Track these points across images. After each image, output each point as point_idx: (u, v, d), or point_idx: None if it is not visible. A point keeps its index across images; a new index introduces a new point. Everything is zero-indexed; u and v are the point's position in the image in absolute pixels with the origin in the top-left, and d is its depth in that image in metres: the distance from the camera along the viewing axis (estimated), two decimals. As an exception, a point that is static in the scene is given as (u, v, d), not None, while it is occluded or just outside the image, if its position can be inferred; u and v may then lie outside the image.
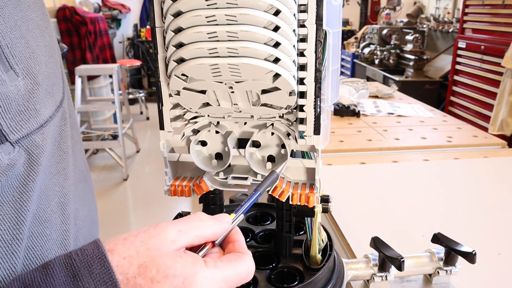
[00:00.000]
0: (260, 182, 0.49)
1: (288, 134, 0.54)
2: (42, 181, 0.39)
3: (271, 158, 0.56)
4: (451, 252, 0.69)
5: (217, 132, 0.56)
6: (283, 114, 0.52)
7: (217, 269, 0.36)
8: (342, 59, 5.55)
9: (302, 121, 0.51)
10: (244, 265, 0.38)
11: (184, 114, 0.55)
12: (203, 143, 0.57)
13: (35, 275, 0.31)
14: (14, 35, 0.37)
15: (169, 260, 0.34)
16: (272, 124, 0.54)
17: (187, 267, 0.35)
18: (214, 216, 0.40)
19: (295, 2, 0.43)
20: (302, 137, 0.51)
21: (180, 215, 0.65)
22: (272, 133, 0.54)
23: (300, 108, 0.50)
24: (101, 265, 0.32)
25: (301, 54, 0.47)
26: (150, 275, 0.33)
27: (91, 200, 0.53)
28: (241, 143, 0.57)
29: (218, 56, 0.44)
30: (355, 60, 5.30)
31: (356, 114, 1.88)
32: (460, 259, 0.69)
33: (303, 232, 0.67)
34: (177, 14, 0.43)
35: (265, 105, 0.50)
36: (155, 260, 0.34)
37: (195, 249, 0.39)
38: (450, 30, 4.28)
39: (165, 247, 0.35)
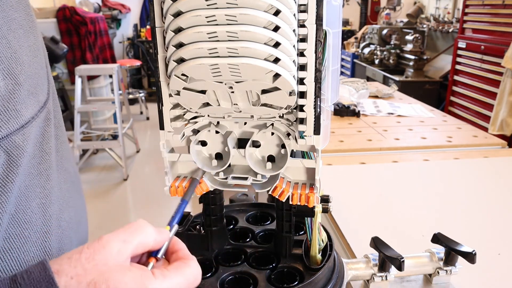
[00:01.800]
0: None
1: (288, 134, 0.54)
2: (21, 182, 0.38)
3: (271, 158, 0.56)
4: (451, 252, 0.69)
5: (217, 132, 0.56)
6: (283, 114, 0.52)
7: (166, 279, 0.37)
8: (342, 59, 5.55)
9: (302, 121, 0.51)
10: (190, 269, 0.39)
11: (184, 114, 0.55)
12: (203, 143, 0.57)
13: None
14: None
15: (118, 275, 0.34)
16: (272, 124, 0.54)
17: (137, 280, 0.35)
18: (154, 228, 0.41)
19: (295, 2, 0.43)
20: (302, 137, 0.51)
21: (185, 217, 0.65)
22: (272, 133, 0.54)
23: (300, 108, 0.50)
24: None
25: (301, 54, 0.47)
26: None
27: (78, 201, 0.53)
28: (241, 143, 0.57)
29: (218, 56, 0.44)
30: (355, 60, 5.30)
31: (356, 114, 1.88)
32: (460, 259, 0.69)
33: (303, 232, 0.67)
34: (177, 14, 0.43)
35: (265, 105, 0.50)
36: (104, 275, 0.34)
37: (142, 262, 0.39)
38: (450, 30, 4.28)
39: (112, 260, 0.35)
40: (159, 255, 0.40)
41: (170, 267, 0.39)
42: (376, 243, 0.68)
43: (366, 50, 4.98)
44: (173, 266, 0.39)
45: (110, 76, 4.02)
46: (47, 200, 0.42)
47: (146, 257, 0.41)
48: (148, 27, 6.32)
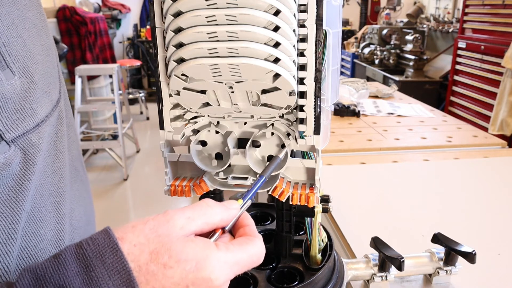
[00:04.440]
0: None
1: (288, 134, 0.54)
2: (37, 181, 0.39)
3: (271, 158, 0.56)
4: (451, 252, 0.69)
5: (217, 132, 0.56)
6: (283, 114, 0.52)
7: (229, 252, 0.36)
8: (342, 59, 5.55)
9: (302, 121, 0.51)
10: (255, 248, 0.38)
11: (184, 114, 0.55)
12: (203, 143, 0.57)
13: (46, 266, 0.31)
14: (10, 33, 0.37)
15: (180, 245, 0.34)
16: (272, 124, 0.54)
17: (199, 251, 0.35)
18: (222, 203, 0.40)
19: (295, 2, 0.43)
20: (302, 137, 0.51)
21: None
22: (272, 133, 0.54)
23: (300, 108, 0.50)
24: (114, 254, 0.32)
25: (301, 54, 0.47)
26: (162, 261, 0.33)
27: (87, 200, 0.53)
28: (241, 143, 0.57)
29: (218, 56, 0.44)
30: (355, 60, 5.30)
31: (356, 114, 1.88)
32: (460, 259, 0.69)
33: (303, 232, 0.67)
34: (177, 14, 0.43)
35: (265, 105, 0.50)
36: (166, 245, 0.34)
37: (205, 236, 0.39)
38: (450, 30, 4.28)
39: (174, 233, 0.35)
40: (226, 228, 0.39)
41: (234, 241, 0.38)
42: (376, 243, 0.68)
43: (366, 50, 4.98)
44: (238, 241, 0.38)
45: (110, 76, 4.02)
46: (60, 198, 0.43)
47: (212, 230, 0.40)
48: (148, 27, 6.32)
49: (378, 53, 4.69)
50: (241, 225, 0.41)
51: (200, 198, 0.62)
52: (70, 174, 0.46)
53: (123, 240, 0.33)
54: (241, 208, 0.42)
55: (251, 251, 0.38)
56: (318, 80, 0.48)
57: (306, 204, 0.54)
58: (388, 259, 0.66)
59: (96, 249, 0.32)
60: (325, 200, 0.58)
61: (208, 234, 0.39)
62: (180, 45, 0.45)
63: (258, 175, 0.48)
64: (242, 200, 0.42)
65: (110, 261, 0.32)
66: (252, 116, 0.53)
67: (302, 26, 0.45)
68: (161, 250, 0.33)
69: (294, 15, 0.44)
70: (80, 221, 0.48)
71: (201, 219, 0.37)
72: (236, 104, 0.50)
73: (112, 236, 0.33)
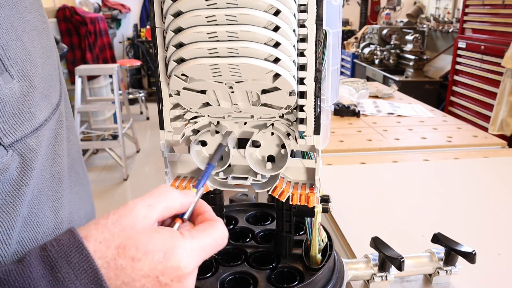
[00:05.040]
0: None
1: (288, 134, 0.54)
2: (35, 185, 0.38)
3: (271, 158, 0.56)
4: (451, 252, 0.69)
5: (217, 132, 0.56)
6: (283, 114, 0.52)
7: (195, 239, 0.37)
8: (342, 59, 5.55)
9: (302, 121, 0.51)
10: (218, 230, 0.39)
11: (184, 114, 0.55)
12: (203, 143, 0.57)
13: (10, 270, 0.30)
14: (10, 36, 0.36)
15: (146, 236, 0.34)
16: (272, 124, 0.54)
17: (165, 241, 0.35)
18: (179, 190, 0.41)
19: (295, 2, 0.43)
20: (302, 137, 0.51)
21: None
22: (272, 133, 0.54)
23: (300, 108, 0.50)
24: (79, 253, 0.32)
25: (301, 54, 0.47)
26: (130, 254, 0.33)
27: (88, 203, 0.53)
28: (241, 143, 0.57)
29: (218, 56, 0.44)
30: (355, 60, 5.30)
31: (356, 114, 1.88)
32: (460, 259, 0.69)
33: (303, 232, 0.67)
34: (177, 14, 0.43)
35: (265, 105, 0.50)
36: (132, 238, 0.34)
37: (166, 225, 0.39)
38: (450, 30, 4.28)
39: (138, 224, 0.35)
40: (185, 216, 0.40)
41: (197, 227, 0.39)
42: (376, 243, 0.68)
43: (366, 50, 4.98)
44: (200, 227, 0.39)
45: (110, 76, 4.02)
46: (58, 203, 0.42)
47: (172, 220, 0.40)
48: (148, 27, 6.32)
49: (378, 53, 4.69)
50: (199, 212, 0.42)
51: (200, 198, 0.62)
52: (69, 178, 0.46)
53: (88, 239, 0.33)
54: (196, 195, 0.42)
55: (214, 234, 0.38)
56: (318, 80, 0.48)
57: (306, 204, 0.54)
58: (388, 259, 0.66)
59: (61, 250, 0.32)
60: (325, 200, 0.58)
61: (168, 223, 0.39)
62: (180, 45, 0.45)
63: (206, 163, 0.49)
64: (195, 188, 0.43)
65: (76, 260, 0.31)
66: (252, 116, 0.53)
67: (302, 26, 0.45)
68: (127, 243, 0.33)
69: (294, 15, 0.44)
70: (80, 224, 0.47)
71: (162, 204, 0.37)
72: (236, 104, 0.50)
73: (76, 235, 0.33)
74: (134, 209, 0.36)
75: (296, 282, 0.56)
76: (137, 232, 0.34)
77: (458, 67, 3.54)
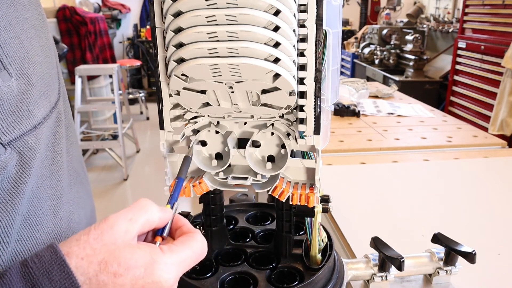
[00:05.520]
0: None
1: (288, 134, 0.54)
2: (34, 184, 0.38)
3: (271, 158, 0.56)
4: (451, 252, 0.69)
5: (217, 132, 0.56)
6: (283, 114, 0.52)
7: (174, 253, 0.37)
8: (342, 59, 5.55)
9: (302, 121, 0.51)
10: (196, 242, 0.39)
11: (184, 114, 0.55)
12: (203, 143, 0.57)
13: None
14: (8, 35, 0.36)
15: (128, 252, 0.34)
16: (272, 124, 0.54)
17: (146, 256, 0.35)
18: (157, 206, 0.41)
19: (295, 2, 0.43)
20: (302, 137, 0.51)
21: (185, 216, 0.65)
22: (272, 133, 0.54)
23: (300, 108, 0.50)
24: (61, 270, 0.31)
25: (301, 54, 0.47)
26: (112, 270, 0.33)
27: (87, 202, 0.53)
28: (241, 143, 0.57)
29: (218, 56, 0.44)
30: (355, 60, 5.30)
31: (356, 114, 1.88)
32: (460, 259, 0.69)
33: (303, 232, 0.67)
34: (177, 14, 0.43)
35: (265, 105, 0.50)
36: (114, 253, 0.34)
37: (146, 241, 0.40)
38: (450, 30, 4.28)
39: (120, 239, 0.35)
40: (164, 234, 0.40)
41: (176, 241, 0.39)
42: (376, 243, 0.68)
43: (366, 50, 4.98)
44: (179, 240, 0.39)
45: (110, 76, 4.02)
46: (58, 201, 0.42)
47: (151, 236, 0.41)
48: (148, 27, 6.32)
49: (378, 53, 4.69)
50: (177, 226, 0.42)
51: (200, 198, 0.62)
52: (69, 177, 0.46)
53: (69, 255, 0.33)
54: (173, 210, 0.43)
55: (194, 246, 0.39)
56: (318, 80, 0.48)
57: (306, 204, 0.54)
58: (388, 259, 0.66)
59: (42, 267, 0.31)
60: (325, 200, 0.58)
61: (149, 240, 0.40)
62: (180, 45, 0.45)
63: (176, 178, 0.49)
64: (169, 204, 0.44)
65: (58, 278, 0.31)
66: (252, 116, 0.53)
67: (302, 26, 0.45)
68: (109, 259, 0.33)
69: (294, 15, 0.44)
70: (80, 223, 0.47)
71: (142, 218, 0.38)
72: (236, 104, 0.50)
73: (58, 251, 0.32)
74: (115, 224, 0.36)
75: (296, 282, 0.56)
76: (118, 247, 0.34)
77: (458, 67, 3.54)
